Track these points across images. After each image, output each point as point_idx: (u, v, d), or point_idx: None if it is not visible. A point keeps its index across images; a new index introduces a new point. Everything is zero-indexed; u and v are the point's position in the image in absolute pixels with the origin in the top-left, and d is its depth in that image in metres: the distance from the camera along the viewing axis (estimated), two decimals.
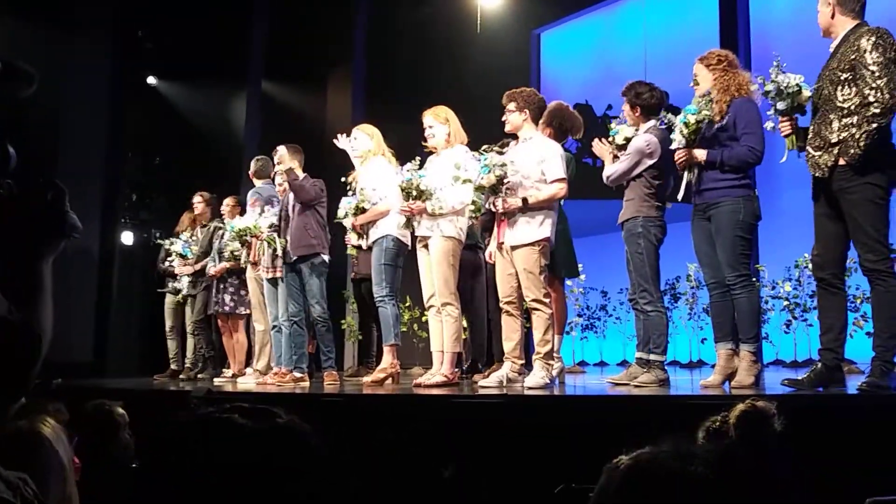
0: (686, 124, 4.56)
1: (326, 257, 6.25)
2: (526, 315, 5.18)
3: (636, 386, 4.76)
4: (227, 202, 7.94)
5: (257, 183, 7.24)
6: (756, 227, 4.64)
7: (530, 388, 4.70)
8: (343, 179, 6.09)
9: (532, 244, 4.90)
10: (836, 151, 3.93)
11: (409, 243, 5.67)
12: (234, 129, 11.23)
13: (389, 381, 5.58)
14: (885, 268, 3.92)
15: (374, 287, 5.74)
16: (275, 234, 6.39)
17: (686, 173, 4.67)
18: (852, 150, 3.86)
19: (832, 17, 4.07)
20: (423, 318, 7.59)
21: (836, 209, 4.02)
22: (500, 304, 5.12)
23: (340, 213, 5.91)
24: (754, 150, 4.46)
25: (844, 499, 2.62)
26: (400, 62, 11.69)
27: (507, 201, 4.94)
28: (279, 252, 6.30)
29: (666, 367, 4.93)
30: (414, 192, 5.28)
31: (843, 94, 3.94)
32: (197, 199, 8.11)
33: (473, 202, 5.21)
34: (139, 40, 10.50)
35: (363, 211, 5.71)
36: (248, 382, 6.61)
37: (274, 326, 6.46)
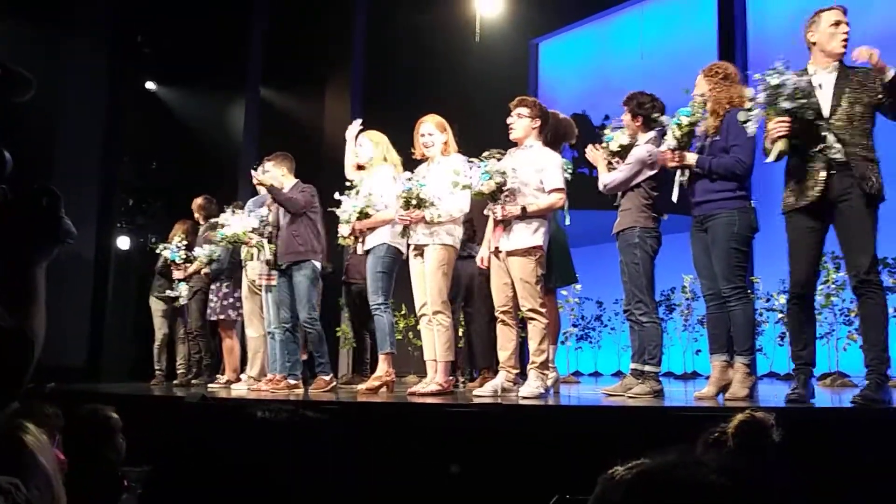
0: (679, 125, 4.59)
1: (318, 264, 6.24)
2: (521, 324, 5.18)
3: (630, 397, 4.76)
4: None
5: (261, 190, 7.21)
6: (752, 239, 4.65)
7: (525, 398, 4.70)
8: (348, 184, 6.03)
9: (527, 252, 4.91)
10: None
11: (405, 251, 5.66)
12: (231, 134, 11.23)
13: (384, 389, 5.57)
14: (875, 280, 3.96)
15: (370, 295, 5.73)
16: (265, 241, 6.38)
17: (678, 175, 4.71)
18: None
19: None
20: (418, 327, 7.58)
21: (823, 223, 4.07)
22: (496, 314, 5.11)
23: (343, 216, 5.83)
24: (741, 162, 4.48)
25: None
26: (398, 69, 11.70)
27: (505, 208, 4.95)
28: (269, 257, 6.29)
29: (660, 379, 4.93)
30: (414, 201, 5.27)
31: None
32: (194, 206, 8.15)
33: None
34: (137, 45, 10.50)
35: (367, 216, 5.65)
36: (242, 389, 6.59)
37: (269, 332, 6.45)
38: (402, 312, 8.79)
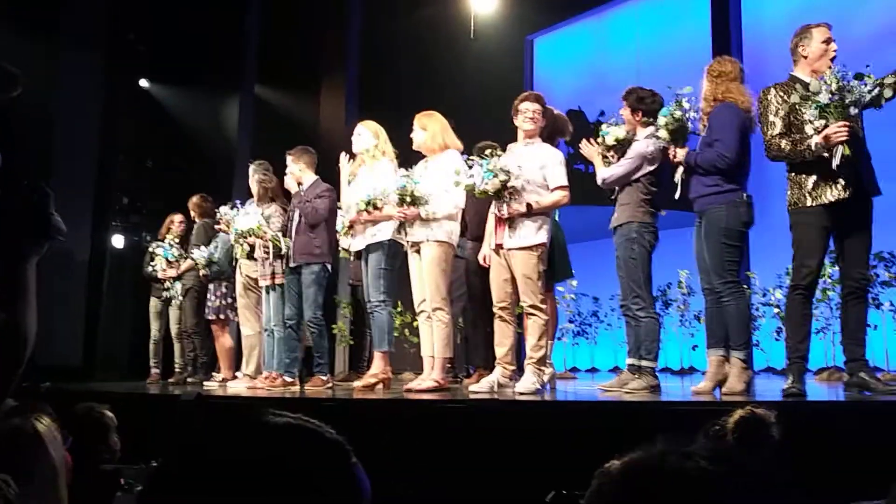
0: (666, 123, 4.64)
1: (329, 266, 6.24)
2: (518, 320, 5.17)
3: (627, 392, 4.75)
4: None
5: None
6: (745, 233, 4.64)
7: (521, 394, 4.69)
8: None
9: (531, 248, 4.90)
10: None
11: (405, 247, 5.62)
12: (226, 133, 11.20)
13: (380, 386, 5.56)
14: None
15: (370, 291, 5.68)
16: (279, 235, 6.38)
17: (678, 172, 4.74)
18: None
19: None
20: (415, 324, 7.57)
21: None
22: (494, 309, 5.10)
23: (350, 207, 5.76)
24: (723, 156, 4.49)
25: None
26: (394, 67, 11.70)
27: (511, 206, 4.93)
28: (284, 252, 6.28)
29: (657, 374, 4.93)
30: (408, 198, 5.26)
31: None
32: (190, 204, 8.14)
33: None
34: (132, 43, 10.46)
35: (376, 207, 5.54)
36: (238, 387, 6.58)
37: (266, 330, 6.44)
38: (399, 310, 8.79)
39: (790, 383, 4.10)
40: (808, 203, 4.15)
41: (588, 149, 5.22)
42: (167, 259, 7.90)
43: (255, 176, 6.82)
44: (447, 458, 3.82)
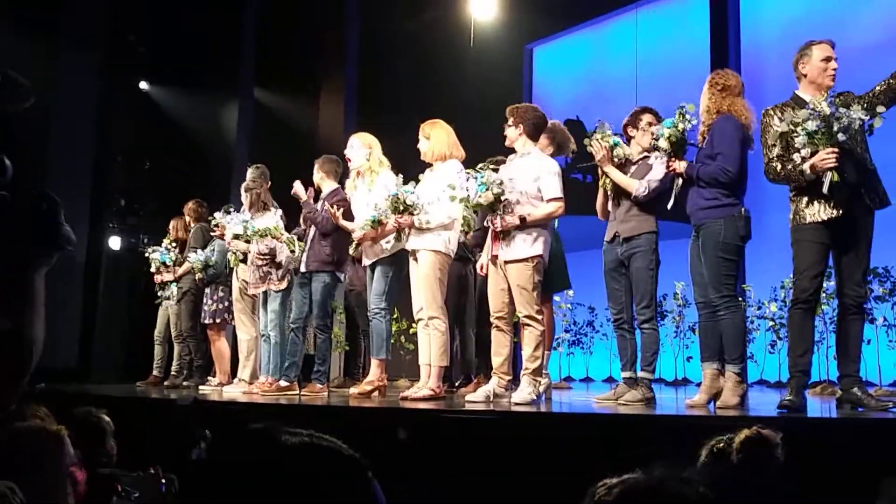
0: (669, 135, 4.65)
1: (341, 275, 6.26)
2: (514, 330, 5.18)
3: (621, 403, 4.77)
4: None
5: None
6: (742, 247, 4.64)
7: (517, 404, 4.70)
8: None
9: (526, 260, 4.90)
10: None
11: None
12: (225, 136, 11.19)
13: (376, 393, 5.56)
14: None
15: (373, 298, 5.69)
16: (294, 237, 6.40)
17: (676, 183, 4.78)
18: None
19: None
20: (411, 331, 7.58)
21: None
22: (491, 319, 5.11)
23: (358, 228, 5.72)
24: (725, 170, 4.50)
25: None
26: (392, 73, 11.71)
27: (504, 219, 4.94)
28: (297, 255, 6.29)
29: (652, 386, 4.95)
30: (401, 207, 5.29)
31: None
32: (186, 209, 8.14)
33: (464, 218, 5.23)
34: (131, 44, 10.47)
35: (381, 224, 5.50)
36: (234, 391, 6.57)
37: (263, 335, 6.43)
38: (395, 316, 8.79)
39: (786, 396, 4.13)
40: (807, 220, 4.18)
41: (598, 145, 5.20)
42: (164, 263, 7.90)
43: (245, 183, 6.84)
44: (442, 466, 3.82)
